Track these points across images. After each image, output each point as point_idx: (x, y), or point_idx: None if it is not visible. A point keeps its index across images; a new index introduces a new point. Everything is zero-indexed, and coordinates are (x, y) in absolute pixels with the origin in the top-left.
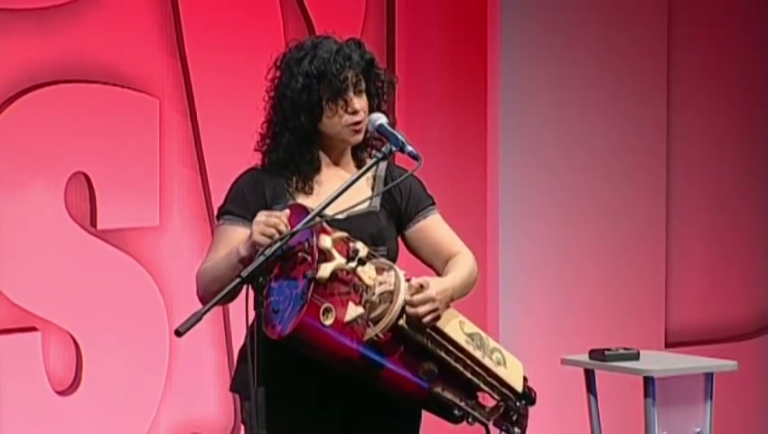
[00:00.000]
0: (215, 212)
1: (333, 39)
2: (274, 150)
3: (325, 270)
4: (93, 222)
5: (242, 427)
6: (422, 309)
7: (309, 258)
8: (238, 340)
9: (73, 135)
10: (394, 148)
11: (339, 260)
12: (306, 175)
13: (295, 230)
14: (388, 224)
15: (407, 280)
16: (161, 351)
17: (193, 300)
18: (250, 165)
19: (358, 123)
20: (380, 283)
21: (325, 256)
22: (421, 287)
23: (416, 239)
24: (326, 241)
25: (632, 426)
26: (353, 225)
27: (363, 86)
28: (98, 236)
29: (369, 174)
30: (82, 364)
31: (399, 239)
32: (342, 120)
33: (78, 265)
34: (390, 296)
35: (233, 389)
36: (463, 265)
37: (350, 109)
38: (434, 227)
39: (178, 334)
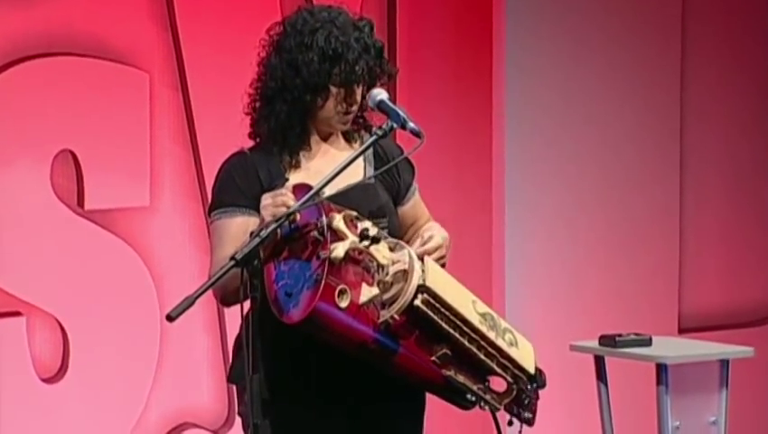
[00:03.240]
0: (208, 199)
1: (347, 15)
2: (264, 117)
3: (340, 250)
4: (80, 202)
5: (237, 418)
6: (426, 247)
7: (321, 238)
8: (232, 326)
9: (59, 111)
10: (395, 125)
11: (352, 239)
12: (293, 149)
13: (293, 209)
14: (386, 197)
15: (420, 259)
16: (151, 337)
17: (185, 283)
18: (246, 142)
19: (350, 114)
20: (394, 262)
21: (338, 235)
22: (430, 238)
23: (403, 217)
24: (338, 220)
25: (643, 415)
26: (351, 200)
27: (366, 78)
28: (85, 217)
29: (357, 147)
30: (69, 351)
31: None
32: (337, 107)
33: (64, 247)
34: (405, 275)
35: (230, 380)
36: (438, 226)
37: (350, 100)
38: (417, 204)
39: (169, 319)
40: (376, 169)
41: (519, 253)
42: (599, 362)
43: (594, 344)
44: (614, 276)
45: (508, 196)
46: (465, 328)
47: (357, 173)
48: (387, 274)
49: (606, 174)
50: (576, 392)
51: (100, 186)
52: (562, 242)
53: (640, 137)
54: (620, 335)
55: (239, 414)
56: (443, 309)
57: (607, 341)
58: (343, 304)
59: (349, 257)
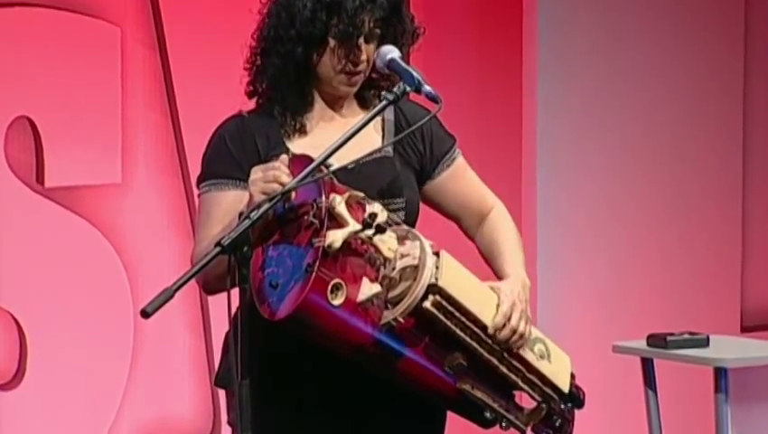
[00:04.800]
0: (191, 176)
1: None
2: (260, 73)
3: (337, 239)
4: (40, 179)
5: (224, 430)
6: (506, 330)
7: (317, 222)
8: (218, 323)
9: (14, 71)
10: (408, 88)
11: (353, 227)
12: (296, 111)
13: (288, 187)
14: (407, 173)
15: (435, 253)
16: (123, 336)
17: (162, 273)
18: (234, 109)
19: (356, 74)
20: (402, 256)
21: (337, 220)
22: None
23: (442, 190)
24: (338, 202)
25: (699, 426)
26: (363, 175)
27: (379, 33)
28: (45, 195)
29: (378, 117)
30: (26, 352)
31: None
32: (338, 66)
33: (20, 230)
34: (414, 272)
35: (218, 383)
36: (506, 229)
37: (353, 57)
38: (461, 174)
39: (145, 315)
40: (397, 141)
41: (552, 241)
42: (647, 365)
43: (642, 344)
44: (665, 267)
45: (540, 176)
46: (484, 336)
47: (373, 144)
48: (393, 269)
49: (657, 150)
50: (619, 401)
51: (63, 160)
52: (603, 229)
53: (697, 112)
54: (671, 335)
55: (229, 424)
56: (457, 313)
57: (656, 341)
58: (336, 301)
59: (348, 247)
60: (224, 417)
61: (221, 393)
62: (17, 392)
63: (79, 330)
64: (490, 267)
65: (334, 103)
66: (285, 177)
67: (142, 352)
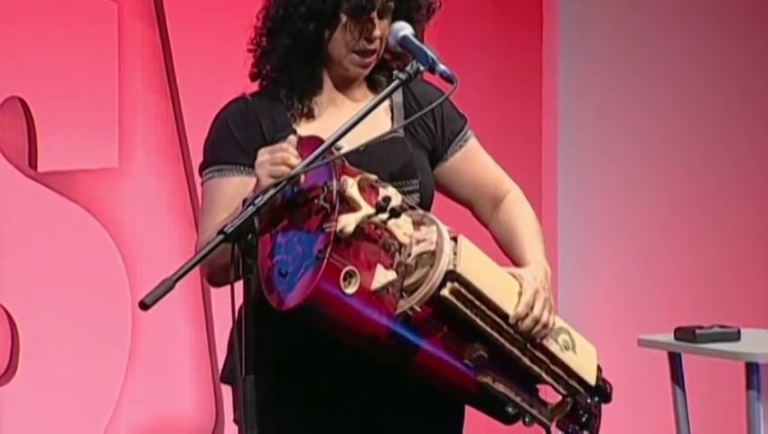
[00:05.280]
0: (193, 159)
1: None
2: (267, 55)
3: (349, 223)
4: (32, 163)
5: (228, 429)
6: (529, 320)
7: (328, 206)
8: (221, 316)
9: (5, 48)
10: (422, 67)
11: (366, 211)
12: (304, 94)
13: (296, 170)
14: (420, 154)
15: (453, 238)
16: (121, 330)
17: (162, 263)
18: (238, 88)
19: (369, 53)
20: (418, 241)
21: (349, 204)
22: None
23: (455, 173)
24: (350, 185)
25: (729, 425)
26: (375, 156)
27: (392, 8)
28: (38, 180)
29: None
30: (18, 347)
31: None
32: (351, 44)
33: (11, 218)
34: (431, 258)
35: (224, 379)
36: (523, 214)
37: (366, 34)
38: (474, 156)
39: (143, 307)
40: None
41: (574, 229)
42: (674, 360)
43: (669, 338)
44: (694, 255)
45: (561, 160)
46: (506, 326)
47: (383, 127)
48: (409, 255)
49: (685, 137)
50: (645, 398)
51: (57, 143)
52: (628, 216)
53: (728, 96)
54: (700, 328)
55: (235, 421)
56: (477, 302)
57: (684, 334)
58: (350, 289)
59: (361, 232)
60: (228, 415)
61: (225, 390)
62: (8, 389)
63: (74, 323)
64: (506, 254)
65: (344, 86)
66: (294, 159)
67: (140, 346)
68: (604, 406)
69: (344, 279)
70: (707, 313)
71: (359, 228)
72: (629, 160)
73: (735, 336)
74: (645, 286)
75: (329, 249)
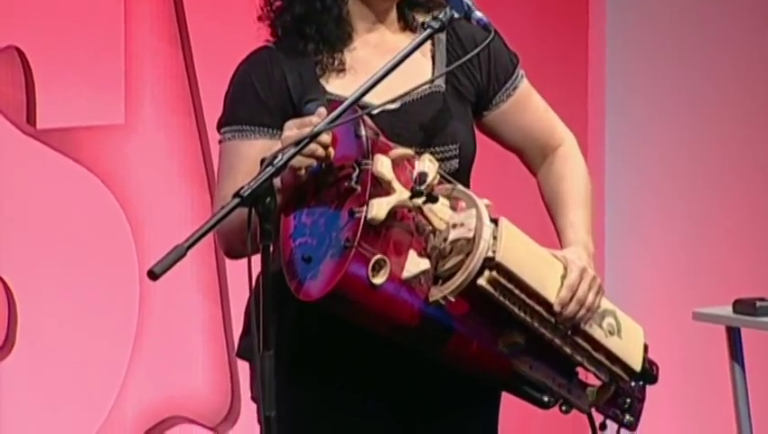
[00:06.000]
0: (206, 115)
1: None
2: (288, 7)
3: (381, 209)
4: (31, 119)
5: (244, 409)
6: (573, 304)
7: (358, 188)
8: (237, 286)
9: None
10: (456, 14)
11: (400, 195)
12: (333, 44)
13: (318, 127)
14: (461, 110)
15: (493, 221)
16: (128, 301)
17: (172, 228)
18: (253, 37)
19: None
20: (455, 226)
21: (381, 186)
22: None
23: (503, 122)
24: (383, 165)
25: None
26: (410, 116)
27: None
28: (37, 138)
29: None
30: (16, 319)
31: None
32: None
33: (8, 178)
34: (468, 245)
35: (240, 354)
36: (575, 178)
37: None
38: (525, 103)
39: (152, 276)
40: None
41: (623, 191)
42: (733, 334)
43: (727, 311)
44: (754, 221)
45: (609, 115)
46: (546, 315)
47: (422, 74)
48: (444, 240)
49: (746, 89)
50: (701, 375)
51: (57, 97)
52: (683, 176)
53: None
54: (761, 300)
55: (253, 400)
56: (516, 290)
57: (744, 307)
58: (378, 280)
59: (393, 217)
60: (245, 393)
61: (242, 367)
62: (5, 365)
63: (75, 294)
64: (550, 216)
65: (376, 21)
66: (324, 135)
67: (149, 319)
68: (654, 387)
69: (373, 269)
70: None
71: (391, 213)
72: (683, 115)
73: None
74: (701, 254)
75: (357, 237)
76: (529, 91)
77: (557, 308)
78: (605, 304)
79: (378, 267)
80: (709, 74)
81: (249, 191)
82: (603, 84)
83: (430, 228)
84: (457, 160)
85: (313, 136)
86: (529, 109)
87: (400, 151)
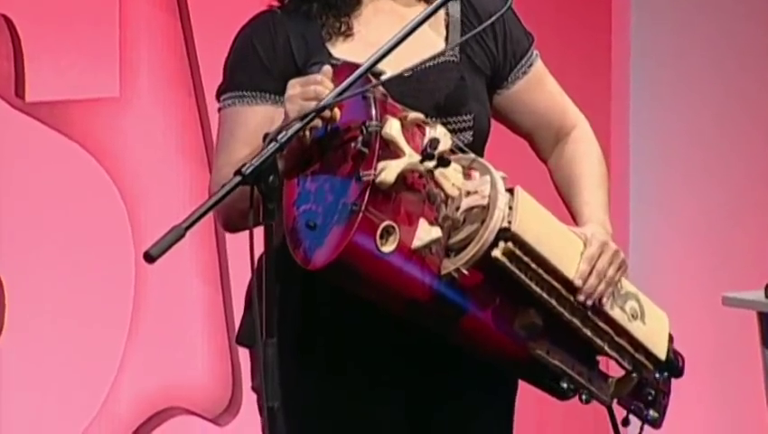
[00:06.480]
0: (205, 88)
1: None
2: None
3: (390, 172)
4: (19, 91)
5: (246, 401)
6: (593, 278)
7: (366, 150)
8: (238, 269)
9: None
10: None
11: (410, 158)
12: (339, 7)
13: (325, 101)
14: (476, 81)
15: (509, 190)
16: (123, 284)
17: (170, 208)
18: (256, 6)
19: None
20: (468, 193)
21: (390, 149)
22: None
23: (515, 102)
24: (392, 127)
25: None
26: (422, 85)
27: None
28: (26, 112)
29: (441, 11)
30: (5, 304)
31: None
32: None
33: None
34: (482, 213)
35: (240, 341)
36: (589, 160)
37: None
38: (538, 83)
39: (149, 258)
40: (465, 42)
41: (648, 167)
42: (765, 320)
43: (759, 295)
44: None
45: (633, 89)
46: (565, 292)
47: (435, 45)
48: (457, 209)
49: None
50: (731, 363)
51: (48, 68)
52: (712, 152)
53: None
54: None
55: (254, 389)
56: (533, 264)
57: None
58: (387, 248)
59: (403, 182)
60: (246, 382)
61: (243, 354)
62: None
63: (67, 277)
64: (562, 200)
65: None
66: (329, 92)
67: (145, 304)
68: (680, 379)
69: (381, 236)
70: None
71: (400, 177)
72: (713, 87)
73: None
74: (731, 234)
75: (365, 201)
76: (543, 72)
77: (577, 282)
78: (628, 286)
79: (386, 234)
80: (743, 45)
81: (251, 168)
82: (627, 54)
83: (442, 197)
84: (471, 132)
85: (322, 109)
86: (544, 91)
87: (411, 115)
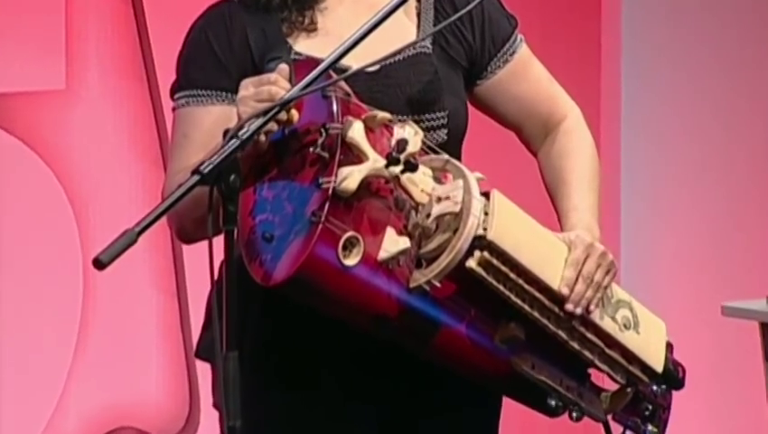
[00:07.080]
0: (160, 80)
1: None
2: None
3: (351, 178)
4: None
5: (204, 419)
6: (580, 285)
7: (326, 155)
8: (196, 278)
9: None
10: None
11: (374, 162)
12: (302, 3)
13: (288, 96)
14: (451, 75)
15: (484, 194)
16: (70, 294)
17: (121, 211)
18: None
19: None
20: (440, 199)
21: (353, 152)
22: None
23: (498, 92)
24: (355, 129)
25: None
26: (392, 80)
27: None
28: None
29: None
30: None
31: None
32: None
33: None
34: (455, 220)
35: (199, 354)
36: (580, 155)
37: None
38: (523, 71)
39: (98, 265)
40: (438, 32)
41: (641, 167)
42: (766, 331)
43: (761, 305)
44: None
45: (624, 80)
46: (548, 303)
47: (405, 37)
48: (427, 216)
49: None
50: (731, 376)
51: None
52: (711, 153)
53: None
54: None
55: (215, 407)
56: (512, 274)
57: None
58: (350, 261)
59: (367, 189)
60: (205, 399)
61: (201, 369)
62: None
63: (9, 285)
64: (550, 198)
65: None
66: (285, 93)
67: (94, 315)
68: (679, 390)
69: (344, 248)
70: None
71: (363, 183)
72: (713, 79)
73: None
74: (731, 241)
75: (325, 210)
76: (529, 58)
77: (563, 291)
78: (619, 293)
79: (350, 245)
80: (737, 37)
81: (211, 167)
82: (618, 48)
83: (411, 203)
84: (446, 130)
85: (284, 105)
86: (530, 78)
87: (377, 114)
